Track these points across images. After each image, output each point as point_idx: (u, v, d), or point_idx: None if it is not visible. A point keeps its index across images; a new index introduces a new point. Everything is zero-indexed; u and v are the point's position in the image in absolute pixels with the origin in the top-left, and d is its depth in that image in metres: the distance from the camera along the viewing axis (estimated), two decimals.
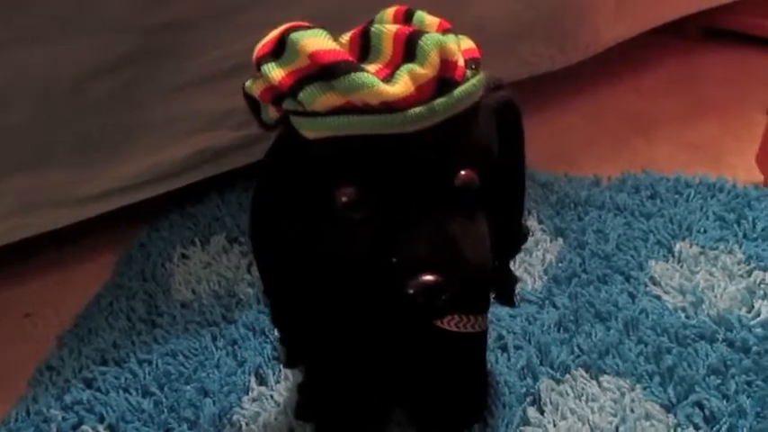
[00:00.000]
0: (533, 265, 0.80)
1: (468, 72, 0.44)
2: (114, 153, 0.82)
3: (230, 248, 0.87)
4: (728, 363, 0.66)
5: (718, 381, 0.65)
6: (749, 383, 0.64)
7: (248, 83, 0.46)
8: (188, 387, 0.69)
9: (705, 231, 0.83)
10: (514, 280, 0.60)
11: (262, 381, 0.69)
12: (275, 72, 0.43)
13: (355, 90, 0.40)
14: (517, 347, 0.70)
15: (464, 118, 0.43)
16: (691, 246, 0.81)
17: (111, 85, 0.78)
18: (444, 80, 0.42)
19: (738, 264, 0.78)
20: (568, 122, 1.11)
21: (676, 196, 0.89)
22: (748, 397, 0.63)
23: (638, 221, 0.86)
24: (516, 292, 0.63)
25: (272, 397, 0.67)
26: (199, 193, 0.95)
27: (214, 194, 0.95)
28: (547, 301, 0.76)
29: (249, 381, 0.69)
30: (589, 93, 1.18)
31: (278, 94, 0.44)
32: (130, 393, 0.68)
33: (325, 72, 0.41)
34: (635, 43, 1.19)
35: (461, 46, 0.45)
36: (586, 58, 1.12)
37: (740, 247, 0.80)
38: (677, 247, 0.81)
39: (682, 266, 0.78)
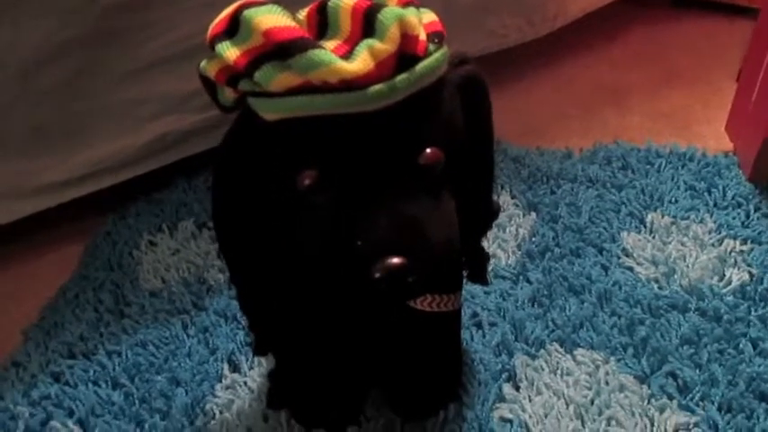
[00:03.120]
0: (507, 240, 0.80)
1: (431, 46, 0.43)
2: (72, 140, 0.80)
3: (199, 234, 0.85)
4: (701, 332, 0.67)
5: (691, 350, 0.65)
6: (721, 352, 0.65)
7: (203, 63, 0.45)
8: (159, 377, 0.67)
9: (676, 201, 0.83)
10: (486, 257, 0.60)
11: (235, 368, 0.68)
12: (229, 51, 0.41)
13: (312, 68, 0.38)
14: (492, 324, 0.70)
15: (427, 94, 0.42)
16: (662, 216, 0.81)
17: (63, 71, 0.75)
18: (405, 56, 0.41)
19: (709, 233, 0.78)
20: (539, 95, 1.10)
21: (647, 167, 0.89)
22: (720, 365, 0.63)
23: (610, 193, 0.85)
24: (489, 269, 0.62)
25: (245, 384, 0.66)
26: (165, 178, 0.92)
27: (181, 179, 0.93)
28: (521, 277, 0.75)
29: (222, 368, 0.68)
30: (559, 65, 1.17)
31: (234, 75, 0.43)
32: (100, 386, 0.67)
33: (280, 50, 0.39)
34: (604, 13, 1.18)
35: (423, 19, 0.44)
36: (555, 30, 1.11)
37: (711, 216, 0.80)
38: (649, 217, 0.81)
39: (654, 237, 0.78)
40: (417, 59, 0.41)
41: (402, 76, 0.40)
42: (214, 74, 0.43)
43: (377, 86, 0.39)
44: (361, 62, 0.39)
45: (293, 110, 0.40)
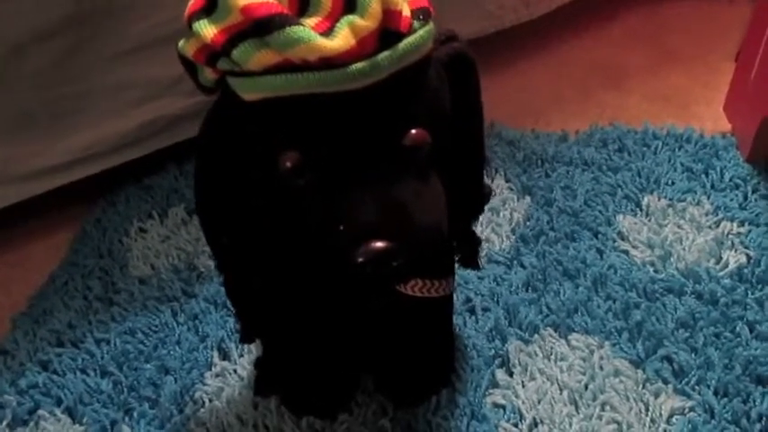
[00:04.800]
0: (500, 224, 0.79)
1: (416, 23, 0.41)
2: (59, 125, 0.78)
3: (189, 220, 0.84)
4: (697, 315, 0.66)
5: (687, 334, 0.64)
6: (717, 335, 0.64)
7: (181, 43, 0.43)
8: (148, 365, 0.67)
9: (673, 183, 0.82)
10: (478, 242, 0.58)
11: (225, 355, 0.67)
12: (207, 29, 0.40)
13: (291, 46, 0.37)
14: (485, 309, 0.69)
15: (412, 73, 0.41)
16: (659, 199, 0.80)
17: (48, 54, 0.73)
18: (388, 32, 0.39)
19: (706, 215, 0.77)
20: (535, 77, 1.08)
21: (644, 149, 0.88)
22: (716, 349, 0.63)
23: (606, 176, 0.84)
24: (481, 254, 0.61)
25: (235, 372, 0.65)
26: (156, 164, 0.91)
27: (172, 165, 0.91)
28: (515, 261, 0.74)
29: (212, 356, 0.67)
30: (556, 46, 1.15)
31: (212, 54, 0.41)
32: (88, 374, 0.66)
33: (258, 27, 0.38)
34: None
35: None
36: (552, 10, 1.09)
37: (708, 198, 0.79)
38: (645, 200, 0.80)
39: (650, 220, 0.77)
40: (401, 36, 0.40)
41: (384, 54, 0.39)
42: (192, 53, 0.42)
43: (358, 64, 0.38)
44: (341, 39, 0.37)
45: (272, 89, 0.39)
